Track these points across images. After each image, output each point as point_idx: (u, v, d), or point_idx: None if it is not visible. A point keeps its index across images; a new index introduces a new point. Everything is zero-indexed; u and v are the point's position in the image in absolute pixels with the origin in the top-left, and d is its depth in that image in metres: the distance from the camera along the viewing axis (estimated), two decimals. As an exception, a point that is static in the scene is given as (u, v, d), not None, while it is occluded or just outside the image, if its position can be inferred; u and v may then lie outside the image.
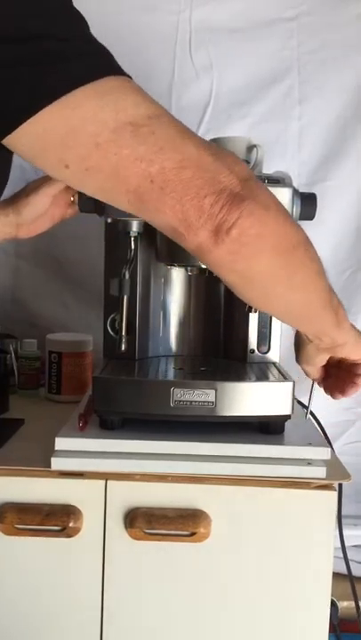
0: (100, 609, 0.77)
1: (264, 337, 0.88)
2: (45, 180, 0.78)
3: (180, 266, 0.88)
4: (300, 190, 0.81)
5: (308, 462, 0.76)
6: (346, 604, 1.13)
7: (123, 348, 0.80)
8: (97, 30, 1.23)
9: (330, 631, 0.78)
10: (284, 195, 0.77)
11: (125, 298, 0.79)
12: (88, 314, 1.20)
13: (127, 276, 0.80)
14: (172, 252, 0.82)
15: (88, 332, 1.10)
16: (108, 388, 0.79)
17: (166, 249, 0.84)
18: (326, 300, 0.63)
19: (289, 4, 1.21)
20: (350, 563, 1.20)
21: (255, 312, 0.85)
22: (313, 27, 1.21)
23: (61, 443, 0.77)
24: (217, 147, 0.54)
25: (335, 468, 0.78)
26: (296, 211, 0.80)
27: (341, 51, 1.21)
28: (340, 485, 0.78)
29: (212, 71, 1.20)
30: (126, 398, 0.79)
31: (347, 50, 1.21)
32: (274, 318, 0.87)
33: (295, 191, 0.80)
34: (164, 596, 0.77)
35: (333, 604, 0.97)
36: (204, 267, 0.76)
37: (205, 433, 0.78)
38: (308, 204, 0.80)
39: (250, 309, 0.83)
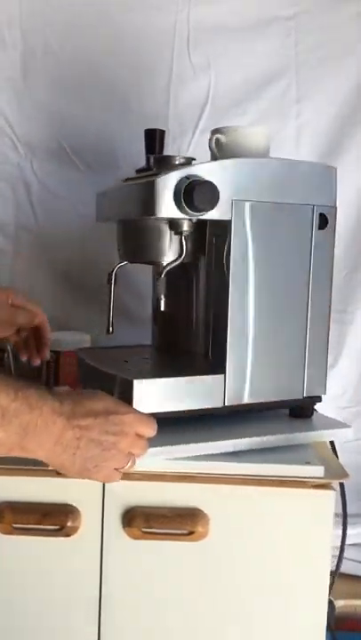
0: (97, 608, 0.77)
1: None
2: None
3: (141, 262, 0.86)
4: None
5: (307, 461, 0.76)
6: (343, 603, 1.13)
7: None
8: (95, 29, 1.25)
9: (326, 629, 0.78)
10: (167, 181, 0.75)
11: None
12: (86, 313, 1.19)
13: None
14: (129, 251, 0.85)
15: (85, 331, 1.10)
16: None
17: (123, 247, 0.86)
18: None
19: (287, 2, 1.21)
20: (347, 561, 1.21)
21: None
22: (311, 25, 1.21)
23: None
24: None
25: (334, 467, 0.78)
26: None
27: (339, 49, 1.22)
28: (342, 485, 0.78)
29: (209, 70, 1.20)
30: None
31: (344, 49, 1.22)
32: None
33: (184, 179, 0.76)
34: (163, 594, 0.77)
35: (330, 603, 0.97)
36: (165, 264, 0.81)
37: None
38: (193, 193, 0.75)
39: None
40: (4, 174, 1.22)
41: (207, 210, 0.76)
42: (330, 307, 0.85)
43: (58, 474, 0.75)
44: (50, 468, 0.75)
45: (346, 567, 1.21)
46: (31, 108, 1.20)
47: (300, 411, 0.86)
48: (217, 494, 0.76)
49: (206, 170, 0.77)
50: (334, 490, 0.76)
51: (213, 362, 0.82)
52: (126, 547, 0.76)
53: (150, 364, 0.93)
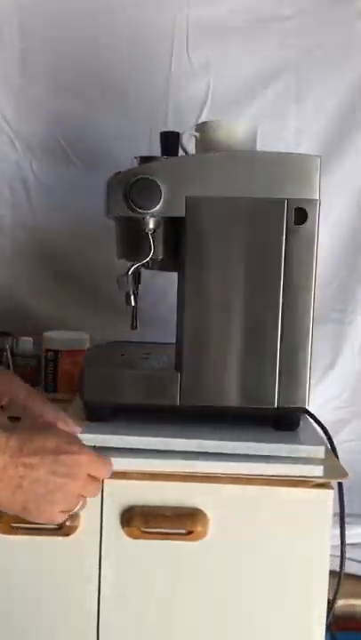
0: (96, 608, 0.77)
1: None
2: None
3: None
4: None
5: (306, 461, 0.76)
6: (342, 603, 1.13)
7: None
8: (95, 27, 1.25)
9: (326, 629, 0.78)
10: (117, 180, 0.76)
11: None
12: (85, 312, 1.19)
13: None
14: (122, 250, 0.84)
15: (84, 330, 1.10)
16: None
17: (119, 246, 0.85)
18: None
19: (286, 2, 1.20)
20: (348, 561, 1.21)
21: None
22: (310, 25, 1.21)
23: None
24: None
25: (333, 466, 0.78)
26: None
27: (338, 50, 1.21)
28: (340, 484, 0.78)
29: (209, 69, 1.20)
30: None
31: (344, 49, 1.21)
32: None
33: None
34: (162, 594, 0.77)
35: (329, 602, 0.97)
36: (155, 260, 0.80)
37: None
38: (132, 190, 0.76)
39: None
40: (2, 172, 1.22)
41: (148, 207, 0.76)
42: (312, 311, 0.78)
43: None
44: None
45: (346, 567, 1.22)
46: (29, 106, 1.20)
47: (279, 422, 0.80)
48: (216, 494, 0.76)
49: (156, 167, 0.78)
50: (333, 489, 0.76)
51: (175, 359, 0.82)
52: (125, 546, 0.75)
53: (131, 358, 0.92)
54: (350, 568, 1.20)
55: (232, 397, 0.79)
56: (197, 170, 0.78)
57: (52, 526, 0.74)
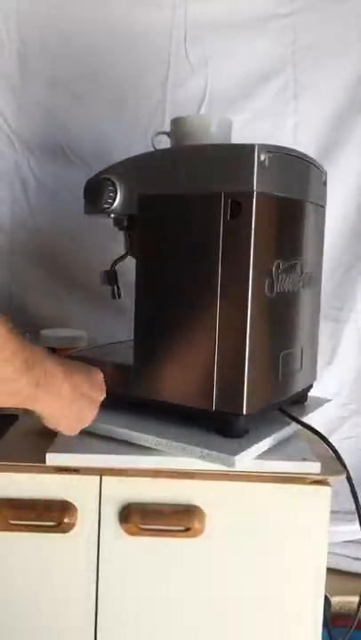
0: (94, 604, 0.77)
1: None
2: None
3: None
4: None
5: (304, 457, 0.76)
6: (338, 599, 1.14)
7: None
8: (93, 25, 1.25)
9: (322, 626, 0.79)
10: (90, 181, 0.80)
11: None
12: (82, 309, 1.20)
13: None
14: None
15: (82, 328, 1.10)
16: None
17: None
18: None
19: (283, 0, 1.21)
20: (342, 558, 1.22)
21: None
22: (308, 23, 1.21)
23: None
24: None
25: (330, 463, 0.78)
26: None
27: (336, 47, 1.22)
28: (350, 480, 0.78)
29: (207, 67, 1.20)
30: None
31: (341, 46, 1.22)
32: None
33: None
34: (160, 591, 0.77)
35: (326, 599, 0.97)
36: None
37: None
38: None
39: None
40: (1, 171, 1.22)
41: (100, 206, 0.79)
42: (249, 310, 0.72)
43: (56, 470, 0.75)
44: (47, 465, 0.75)
45: (341, 564, 1.22)
46: (28, 105, 1.20)
47: (217, 425, 0.76)
48: (214, 491, 0.76)
49: (117, 167, 0.80)
50: (331, 486, 0.76)
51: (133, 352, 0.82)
52: (123, 543, 0.76)
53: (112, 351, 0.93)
54: (349, 566, 1.20)
55: (175, 394, 0.77)
56: (147, 167, 0.79)
57: (50, 523, 0.74)
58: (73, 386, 0.68)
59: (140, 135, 1.12)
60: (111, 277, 0.85)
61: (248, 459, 0.74)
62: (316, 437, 0.80)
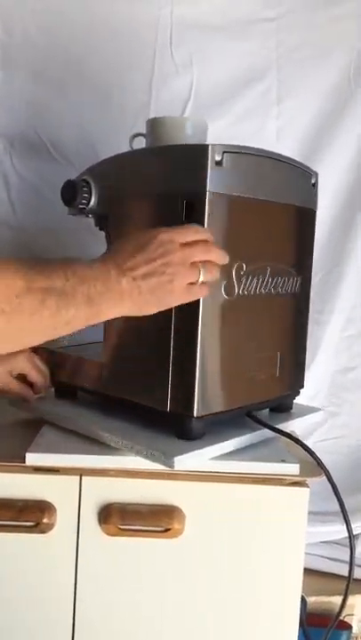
0: (72, 605, 0.77)
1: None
2: None
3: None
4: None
5: (282, 459, 0.77)
6: (314, 599, 1.15)
7: None
8: (77, 21, 1.24)
9: (298, 625, 0.79)
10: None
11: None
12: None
13: None
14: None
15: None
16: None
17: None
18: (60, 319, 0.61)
19: (269, 3, 1.21)
20: (319, 559, 1.23)
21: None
22: (292, 27, 1.22)
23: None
24: None
25: (309, 465, 0.79)
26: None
27: (320, 51, 1.23)
28: (332, 482, 0.78)
29: (192, 67, 1.20)
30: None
31: (325, 51, 1.23)
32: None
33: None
34: (138, 591, 0.77)
35: (302, 600, 0.98)
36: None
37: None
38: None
39: None
40: (-18, 167, 1.21)
41: (73, 206, 0.80)
42: (200, 315, 0.71)
43: (35, 470, 0.75)
44: (27, 465, 0.75)
45: (317, 564, 1.23)
46: (10, 100, 1.19)
47: (172, 427, 0.76)
48: (193, 491, 0.76)
49: (93, 168, 0.82)
50: (308, 487, 0.77)
51: None
52: (102, 543, 0.75)
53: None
54: (331, 567, 1.22)
55: (137, 394, 0.78)
56: (118, 168, 0.80)
57: (29, 523, 0.74)
58: (129, 274, 0.64)
59: (124, 135, 1.11)
60: None
61: (193, 461, 0.73)
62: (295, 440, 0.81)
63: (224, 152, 0.71)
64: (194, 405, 0.73)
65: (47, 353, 0.89)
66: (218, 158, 0.70)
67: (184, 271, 0.65)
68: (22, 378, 0.87)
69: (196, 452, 0.73)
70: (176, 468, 0.71)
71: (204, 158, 0.70)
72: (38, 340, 0.62)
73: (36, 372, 0.87)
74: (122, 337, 0.80)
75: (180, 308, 0.71)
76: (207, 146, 0.70)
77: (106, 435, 0.77)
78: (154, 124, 0.85)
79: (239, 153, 0.73)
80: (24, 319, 0.58)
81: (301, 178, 0.86)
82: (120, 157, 0.81)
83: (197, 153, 0.71)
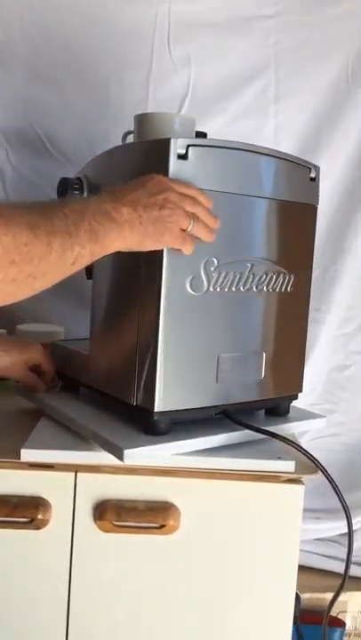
0: (66, 601, 0.77)
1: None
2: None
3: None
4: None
5: (278, 457, 0.77)
6: (308, 596, 1.15)
7: None
8: (76, 21, 1.23)
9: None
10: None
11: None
12: (59, 305, 1.18)
13: None
14: None
15: (59, 324, 1.09)
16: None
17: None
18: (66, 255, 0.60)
19: (267, 1, 1.22)
20: (313, 555, 1.24)
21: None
22: (291, 25, 1.22)
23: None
24: None
25: (304, 462, 0.79)
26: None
27: (318, 50, 1.23)
28: (330, 480, 0.78)
29: (190, 65, 1.20)
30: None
31: (323, 50, 1.23)
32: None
33: None
34: (133, 588, 0.77)
35: (297, 596, 0.99)
36: None
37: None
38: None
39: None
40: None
41: None
42: (162, 313, 0.71)
43: (30, 466, 0.75)
44: (22, 461, 0.75)
45: (310, 561, 1.24)
46: (7, 96, 1.19)
47: (137, 419, 0.76)
48: (189, 488, 0.76)
49: (88, 165, 0.83)
50: (304, 485, 0.77)
51: None
52: (97, 540, 0.75)
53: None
54: (324, 564, 1.22)
55: (111, 388, 0.80)
56: (105, 165, 0.80)
57: (23, 519, 0.74)
58: (130, 205, 0.64)
59: (121, 131, 1.11)
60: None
61: (144, 455, 0.72)
62: (291, 437, 0.81)
63: (188, 145, 0.70)
64: (155, 401, 0.73)
65: (54, 346, 0.93)
66: (181, 151, 0.70)
67: (180, 212, 0.67)
68: (32, 369, 0.91)
69: (151, 447, 0.73)
70: (126, 462, 0.71)
71: (167, 152, 0.70)
72: (46, 284, 0.61)
73: (48, 363, 0.91)
74: (103, 330, 0.82)
75: (143, 304, 0.72)
76: (169, 139, 0.70)
77: (79, 423, 0.79)
78: (141, 120, 0.86)
79: (205, 146, 0.72)
80: (33, 266, 0.57)
81: (294, 172, 0.83)
82: (106, 154, 0.81)
83: (161, 147, 0.71)
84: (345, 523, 0.79)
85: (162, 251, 0.70)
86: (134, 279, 0.74)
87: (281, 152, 0.82)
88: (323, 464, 0.78)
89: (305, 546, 1.22)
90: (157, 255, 0.70)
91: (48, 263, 0.59)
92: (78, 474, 0.75)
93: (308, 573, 1.19)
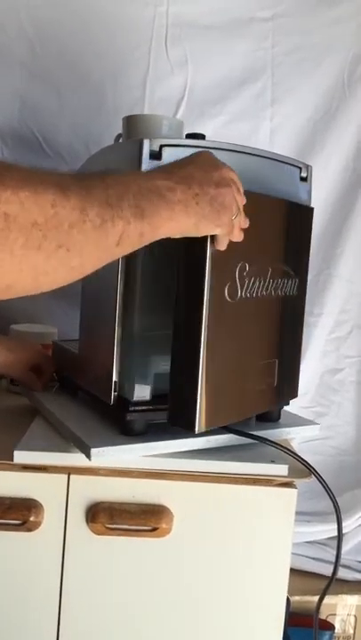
0: (58, 604, 0.76)
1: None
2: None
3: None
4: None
5: (272, 460, 0.77)
6: (297, 599, 1.16)
7: None
8: (72, 17, 1.23)
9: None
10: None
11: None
12: (53, 305, 1.18)
13: None
14: None
15: (53, 324, 1.08)
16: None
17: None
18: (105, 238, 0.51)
19: (265, 4, 1.22)
20: (303, 558, 1.24)
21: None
22: (288, 28, 1.23)
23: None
24: None
25: (297, 466, 0.79)
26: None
27: (315, 53, 1.23)
28: (324, 484, 0.78)
29: (187, 67, 1.20)
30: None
31: (320, 53, 1.23)
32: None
33: None
34: (125, 591, 0.77)
35: (287, 599, 0.99)
36: None
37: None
38: None
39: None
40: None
41: None
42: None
43: (23, 468, 0.74)
44: (15, 462, 0.74)
45: (301, 564, 1.24)
46: (3, 96, 1.18)
47: (112, 415, 0.77)
48: (181, 491, 0.76)
49: (82, 166, 0.85)
50: (296, 488, 0.77)
51: None
52: (89, 542, 0.75)
53: None
54: (314, 567, 1.22)
55: (95, 388, 0.80)
56: (94, 166, 0.81)
57: (16, 521, 0.73)
58: (183, 182, 0.56)
59: (117, 132, 1.11)
60: None
61: (112, 455, 0.72)
62: (285, 442, 0.81)
63: (162, 145, 0.69)
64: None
65: (54, 346, 0.95)
66: (155, 150, 0.68)
67: (233, 194, 0.59)
68: (31, 369, 0.93)
69: (120, 447, 0.72)
70: (93, 461, 0.71)
71: (140, 152, 0.68)
72: (86, 264, 0.50)
73: (48, 363, 0.93)
74: (88, 332, 0.83)
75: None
76: (142, 139, 0.69)
77: (60, 421, 0.80)
78: (129, 122, 0.86)
79: (180, 146, 0.70)
80: (63, 233, 0.46)
81: (280, 171, 0.81)
82: (98, 155, 0.82)
83: (135, 147, 0.69)
84: (335, 526, 0.79)
85: (205, 250, 0.64)
86: (111, 279, 0.72)
87: (266, 150, 0.79)
88: (314, 467, 0.78)
89: (295, 548, 1.23)
90: (198, 254, 0.64)
91: (84, 235, 0.48)
92: (71, 476, 0.75)
93: (298, 576, 1.20)
